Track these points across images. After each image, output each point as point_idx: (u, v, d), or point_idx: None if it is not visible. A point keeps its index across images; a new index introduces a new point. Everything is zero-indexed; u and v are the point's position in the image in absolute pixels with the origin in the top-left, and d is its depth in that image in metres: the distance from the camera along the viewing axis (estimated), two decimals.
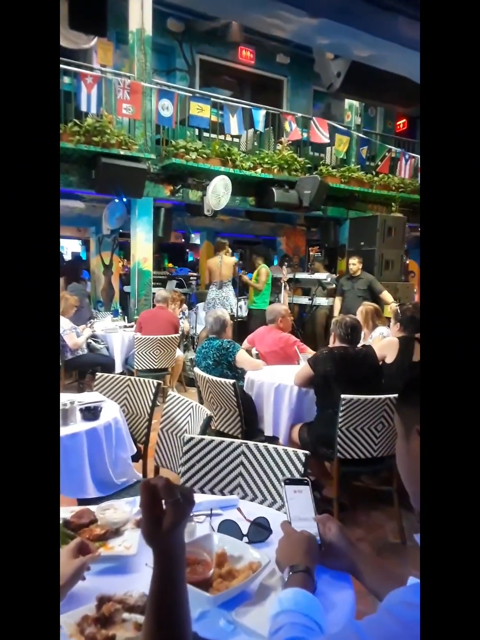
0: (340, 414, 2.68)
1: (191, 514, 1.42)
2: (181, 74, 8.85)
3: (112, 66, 6.86)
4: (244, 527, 1.33)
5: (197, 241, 11.35)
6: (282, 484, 1.27)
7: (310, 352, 3.88)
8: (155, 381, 2.85)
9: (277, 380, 3.21)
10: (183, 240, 11.61)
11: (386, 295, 6.33)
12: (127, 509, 1.37)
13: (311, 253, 10.04)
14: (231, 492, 1.87)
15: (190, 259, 12.67)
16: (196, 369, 3.28)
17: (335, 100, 10.47)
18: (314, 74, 10.41)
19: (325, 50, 2.69)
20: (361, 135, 8.71)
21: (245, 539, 1.30)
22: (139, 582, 1.12)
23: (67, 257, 10.51)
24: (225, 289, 6.66)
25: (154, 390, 2.80)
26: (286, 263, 7.25)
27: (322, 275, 6.93)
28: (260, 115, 7.31)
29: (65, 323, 4.96)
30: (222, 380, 3.02)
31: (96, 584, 1.12)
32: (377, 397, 2.67)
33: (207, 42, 8.95)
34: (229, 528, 1.30)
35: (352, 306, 6.36)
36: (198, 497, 1.55)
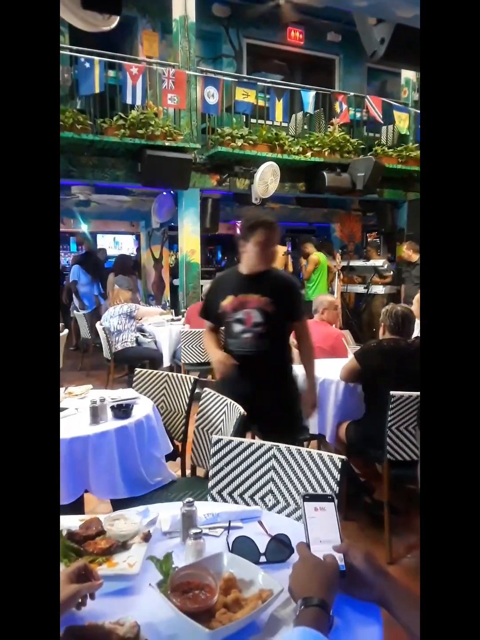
0: (390, 413, 2.47)
1: (207, 526, 1.31)
2: (228, 60, 8.68)
3: (158, 57, 6.83)
4: (263, 544, 1.19)
5: None
6: (301, 499, 1.11)
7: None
8: (192, 377, 2.75)
9: (323, 375, 3.02)
10: (238, 231, 11.50)
11: None
12: (137, 520, 1.27)
13: (369, 239, 9.62)
14: (262, 499, 1.74)
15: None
16: None
17: (391, 76, 9.94)
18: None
19: (365, 14, 2.45)
20: (419, 111, 8.21)
21: (263, 557, 1.16)
22: (136, 607, 1.02)
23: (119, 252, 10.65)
24: None
25: (191, 386, 2.70)
26: (340, 250, 6.96)
27: (379, 262, 6.60)
28: (309, 97, 7.04)
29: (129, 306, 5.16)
30: None
31: (91, 605, 1.02)
32: None
33: (254, 25, 8.71)
34: (244, 546, 1.17)
35: (410, 295, 6.01)
36: (218, 507, 1.44)
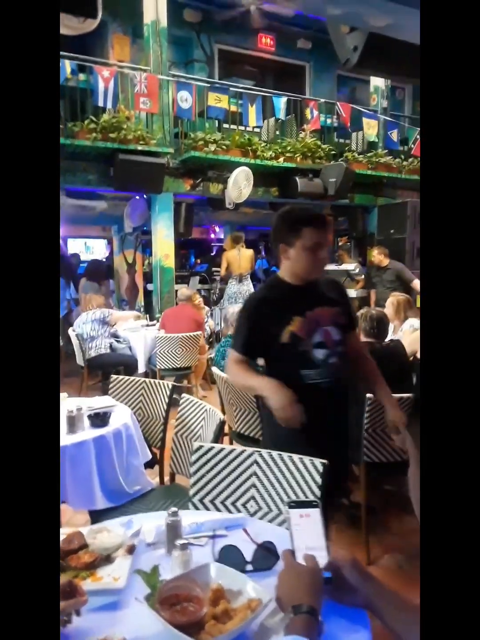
0: (366, 415, 2.50)
1: (192, 536, 1.30)
2: (200, 65, 8.68)
3: (129, 61, 6.78)
4: (249, 551, 1.18)
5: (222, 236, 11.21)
6: (286, 506, 1.11)
7: None
8: (170, 383, 2.73)
9: None
10: (211, 235, 11.48)
11: (417, 285, 6.03)
12: (121, 532, 1.25)
13: (340, 243, 9.74)
14: (244, 505, 1.73)
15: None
16: (214, 369, 3.14)
17: (360, 83, 10.12)
18: (337, 59, 10.14)
19: (338, 22, 2.49)
20: (388, 118, 8.37)
21: (250, 566, 1.16)
22: (124, 622, 1.00)
23: (91, 256, 10.49)
24: (246, 282, 6.51)
25: (169, 392, 2.68)
26: None
27: (350, 266, 6.69)
28: (281, 103, 7.10)
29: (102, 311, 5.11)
30: None
31: (77, 622, 0.99)
32: (406, 396, 2.47)
33: (225, 31, 8.74)
34: (230, 554, 1.16)
35: (382, 298, 6.10)
36: (201, 516, 1.42)
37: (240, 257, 6.57)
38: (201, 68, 8.64)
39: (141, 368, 5.27)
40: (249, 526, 1.35)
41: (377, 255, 6.13)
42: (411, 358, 3.06)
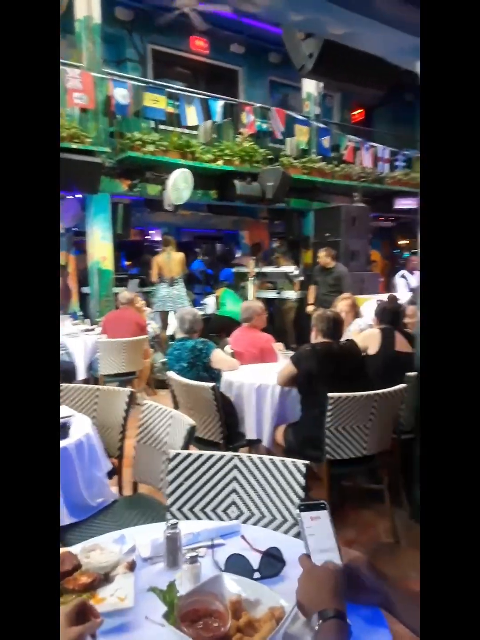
0: (328, 414, 2.54)
1: (189, 547, 1.25)
2: (132, 64, 8.51)
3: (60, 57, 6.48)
4: (252, 559, 1.16)
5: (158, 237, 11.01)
6: (297, 510, 1.09)
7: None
8: (128, 389, 2.63)
9: (258, 380, 3.04)
10: (147, 237, 11.23)
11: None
12: (116, 548, 1.17)
13: (275, 246, 9.91)
14: (225, 511, 1.70)
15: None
16: (170, 373, 3.07)
17: (292, 90, 10.37)
18: (270, 64, 10.36)
19: (299, 28, 2.53)
20: (320, 125, 8.64)
21: (257, 574, 1.13)
22: None
23: None
24: (177, 286, 6.43)
25: (126, 399, 2.58)
26: (253, 256, 7.10)
27: (290, 268, 6.82)
28: (217, 106, 7.11)
29: None
30: (201, 384, 2.83)
31: None
32: (365, 393, 2.54)
33: (158, 31, 8.63)
34: (237, 563, 1.13)
35: (323, 299, 6.26)
36: (196, 525, 1.37)
37: (170, 260, 6.49)
38: (134, 67, 8.48)
39: (81, 375, 5.05)
40: (245, 533, 1.33)
41: (325, 257, 6.25)
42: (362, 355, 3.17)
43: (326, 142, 8.62)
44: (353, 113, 12.50)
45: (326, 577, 0.96)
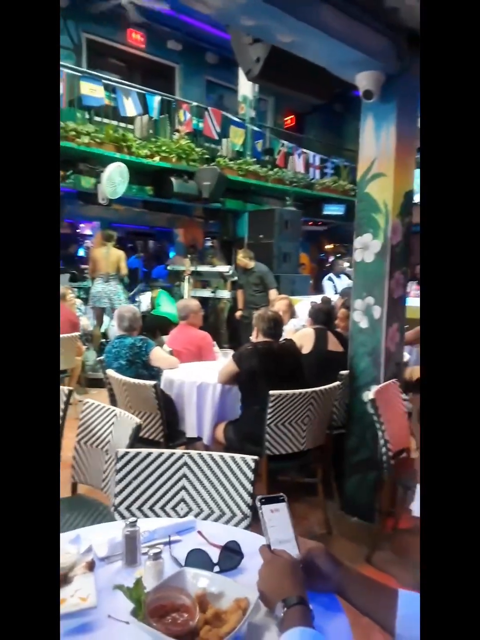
0: (269, 410, 2.61)
1: (146, 544, 1.24)
2: (66, 52, 8.19)
3: None
4: (211, 553, 1.17)
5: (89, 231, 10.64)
6: (257, 502, 1.13)
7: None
8: (66, 388, 2.54)
9: (199, 378, 3.05)
10: (77, 230, 10.79)
11: (273, 294, 6.16)
12: (72, 549, 1.15)
13: (209, 244, 9.94)
14: (174, 508, 1.70)
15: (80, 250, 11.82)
16: (110, 371, 3.01)
17: (228, 92, 10.44)
18: (207, 64, 10.36)
19: (248, 33, 2.56)
20: (255, 128, 8.77)
21: (217, 567, 1.15)
22: None
23: None
24: (113, 282, 6.28)
25: (65, 398, 2.49)
26: (189, 255, 7.06)
27: (225, 268, 6.87)
28: (154, 101, 7.03)
29: None
30: (142, 382, 2.80)
31: None
32: (304, 391, 2.63)
33: (94, 20, 8.37)
34: (198, 558, 1.14)
35: (249, 300, 6.36)
36: (151, 523, 1.37)
37: (108, 256, 6.32)
38: (68, 56, 8.16)
39: None
40: (201, 528, 1.34)
41: (242, 259, 6.30)
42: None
43: (260, 145, 8.78)
44: (285, 118, 12.80)
45: (287, 566, 1.00)
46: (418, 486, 2.35)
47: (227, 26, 2.82)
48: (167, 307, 6.65)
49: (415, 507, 2.40)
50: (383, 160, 2.88)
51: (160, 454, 1.72)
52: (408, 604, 1.02)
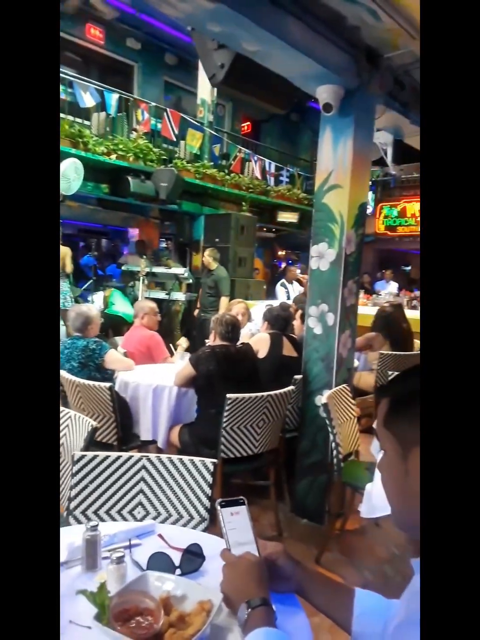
0: (225, 414, 2.62)
1: (107, 548, 1.23)
2: None
3: None
4: (172, 556, 1.18)
5: None
6: (217, 506, 1.14)
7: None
8: None
9: (155, 381, 3.03)
10: None
11: (223, 301, 6.19)
12: None
13: (164, 246, 9.87)
14: (131, 512, 1.68)
15: None
16: (63, 373, 2.93)
17: (186, 94, 10.42)
18: (166, 65, 10.29)
19: (214, 38, 2.58)
20: (213, 132, 8.80)
21: (178, 570, 1.15)
22: None
23: None
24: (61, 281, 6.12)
25: None
26: (144, 255, 6.98)
27: (180, 270, 6.84)
28: (112, 99, 6.92)
29: None
30: (96, 384, 2.75)
31: None
32: (260, 394, 2.67)
33: None
34: (159, 561, 1.14)
35: (203, 302, 6.38)
36: (111, 527, 1.35)
37: None
38: None
39: None
40: (161, 532, 1.34)
41: (208, 257, 6.32)
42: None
43: (218, 149, 8.82)
44: (242, 125, 12.93)
45: (249, 568, 1.02)
46: (367, 487, 2.43)
47: (191, 30, 2.84)
48: (121, 307, 6.55)
49: (363, 509, 2.47)
50: (340, 172, 2.97)
51: (118, 457, 1.70)
52: (364, 603, 1.07)
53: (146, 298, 6.22)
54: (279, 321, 3.61)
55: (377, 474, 2.40)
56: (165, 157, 7.56)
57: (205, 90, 8.83)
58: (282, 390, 2.78)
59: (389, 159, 3.97)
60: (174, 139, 7.96)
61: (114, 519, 1.65)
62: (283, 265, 12.62)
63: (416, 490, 0.75)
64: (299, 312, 3.88)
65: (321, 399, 2.62)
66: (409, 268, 17.22)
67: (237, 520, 1.13)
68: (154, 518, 1.66)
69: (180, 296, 6.99)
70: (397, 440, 0.79)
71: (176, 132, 7.96)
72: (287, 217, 10.79)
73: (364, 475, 2.61)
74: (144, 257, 6.81)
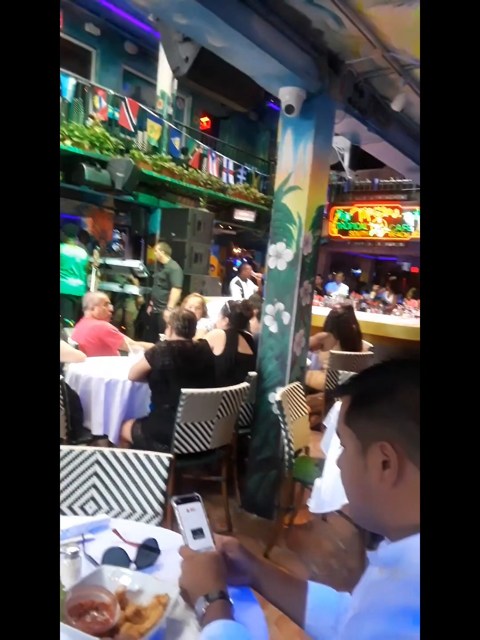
0: (180, 409, 2.61)
1: (62, 542, 1.20)
2: None
3: None
4: (127, 551, 1.17)
5: None
6: (173, 503, 1.14)
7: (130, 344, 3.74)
8: None
9: (108, 375, 2.98)
10: None
11: (174, 293, 6.20)
12: None
13: (118, 238, 9.67)
14: (82, 507, 1.65)
15: None
16: None
17: (145, 85, 10.25)
18: (125, 53, 10.08)
19: (181, 31, 2.56)
20: (172, 125, 8.71)
21: (133, 565, 1.14)
22: None
23: None
24: None
25: None
26: (95, 245, 6.82)
27: (135, 263, 6.73)
28: (68, 83, 6.72)
29: None
30: None
31: None
32: (216, 390, 2.68)
33: None
34: (114, 556, 1.13)
35: (155, 296, 6.32)
36: (64, 522, 1.32)
37: None
38: None
39: None
40: (115, 526, 1.32)
41: (159, 251, 6.25)
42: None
43: (177, 143, 8.74)
44: (201, 120, 12.87)
45: (206, 562, 1.02)
46: (316, 482, 2.49)
47: (156, 20, 2.80)
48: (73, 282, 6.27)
49: (312, 504, 2.53)
50: (299, 174, 3.01)
51: (70, 451, 1.66)
52: (317, 596, 1.10)
53: (99, 290, 6.10)
54: (240, 319, 3.63)
55: (326, 470, 2.46)
56: (122, 147, 7.41)
57: (165, 82, 8.72)
58: (237, 387, 2.81)
59: (346, 164, 4.05)
60: (132, 129, 7.83)
61: (64, 514, 1.62)
62: (240, 263, 12.68)
63: (374, 485, 0.78)
64: (256, 310, 3.91)
65: (275, 396, 2.66)
66: (359, 271, 17.72)
67: (193, 516, 1.13)
68: (107, 513, 1.64)
69: (133, 290, 6.88)
70: (357, 436, 0.81)
71: (134, 122, 7.83)
72: (244, 215, 10.84)
73: (314, 471, 2.68)
74: (97, 248, 6.65)
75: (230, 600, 0.97)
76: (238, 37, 2.35)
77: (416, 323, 6.75)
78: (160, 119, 8.33)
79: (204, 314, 4.19)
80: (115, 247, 8.79)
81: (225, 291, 8.82)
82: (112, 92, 7.56)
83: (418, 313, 7.37)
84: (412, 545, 0.73)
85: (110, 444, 3.04)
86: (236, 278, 8.61)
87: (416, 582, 0.66)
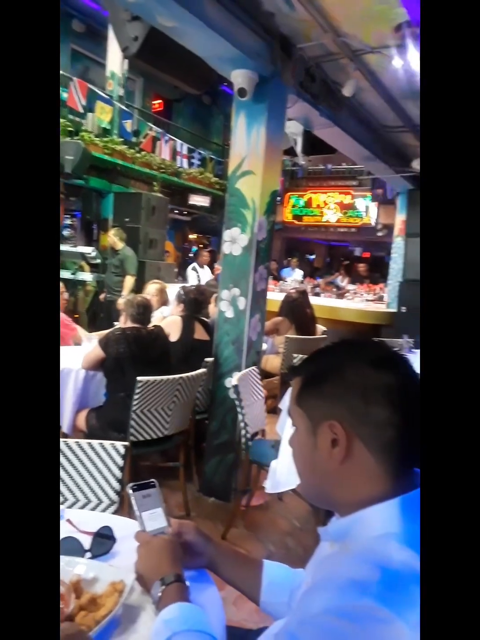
0: (136, 397, 2.59)
1: None
2: None
3: None
4: (82, 540, 1.16)
5: None
6: (129, 490, 1.13)
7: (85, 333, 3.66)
8: None
9: (60, 364, 2.90)
10: None
11: (128, 280, 6.14)
12: None
13: (69, 223, 9.39)
14: None
15: None
16: None
17: (95, 65, 9.90)
18: (73, 32, 9.69)
19: (131, 9, 2.48)
20: (123, 107, 8.48)
21: (88, 553, 1.14)
22: None
23: None
24: None
25: None
26: None
27: (87, 249, 6.56)
28: None
29: None
30: None
31: None
32: (172, 377, 2.67)
33: None
34: (69, 546, 1.11)
35: (108, 283, 6.22)
36: None
37: None
38: None
39: None
40: (69, 516, 1.30)
41: (112, 237, 6.14)
42: None
43: (129, 125, 8.52)
44: (153, 102, 12.58)
45: (162, 546, 1.03)
46: (272, 463, 2.54)
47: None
48: None
49: (268, 484, 2.57)
50: (253, 158, 3.01)
51: None
52: (271, 573, 1.13)
53: None
54: (195, 304, 3.61)
55: (282, 451, 2.51)
56: (71, 129, 7.16)
57: (115, 62, 8.46)
58: (193, 373, 2.80)
59: (298, 149, 4.08)
60: (81, 111, 7.57)
61: None
62: (196, 249, 12.58)
63: (323, 463, 0.80)
64: (214, 295, 3.90)
65: (231, 380, 2.68)
66: (313, 256, 17.96)
67: (149, 502, 1.13)
68: (62, 503, 1.61)
69: (86, 277, 6.72)
70: (307, 416, 0.83)
71: (84, 103, 7.58)
72: (199, 200, 10.74)
73: (270, 452, 2.72)
74: None
75: (187, 583, 0.98)
76: (188, 17, 2.30)
77: (367, 306, 6.94)
78: (110, 100, 8.09)
79: (165, 302, 4.14)
80: (66, 233, 8.53)
81: (182, 277, 8.75)
82: (60, 71, 7.27)
83: (369, 297, 7.57)
84: (359, 518, 0.76)
85: (64, 435, 2.99)
86: (193, 264, 8.55)
87: (364, 554, 0.69)
